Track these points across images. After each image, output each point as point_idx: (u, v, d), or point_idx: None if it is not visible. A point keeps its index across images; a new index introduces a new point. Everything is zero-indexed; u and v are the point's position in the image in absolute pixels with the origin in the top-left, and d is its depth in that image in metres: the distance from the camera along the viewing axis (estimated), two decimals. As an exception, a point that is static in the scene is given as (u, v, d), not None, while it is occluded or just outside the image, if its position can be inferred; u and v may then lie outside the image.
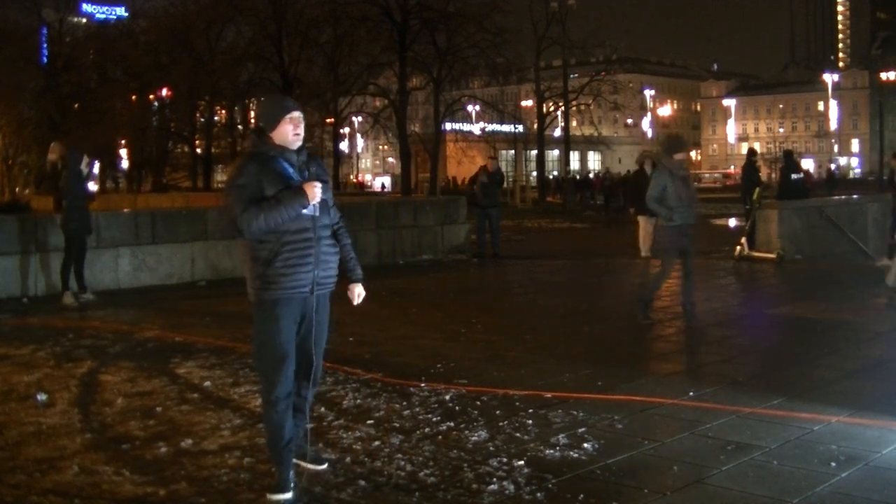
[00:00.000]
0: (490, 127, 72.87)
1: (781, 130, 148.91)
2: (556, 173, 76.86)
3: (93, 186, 14.02)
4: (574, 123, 62.85)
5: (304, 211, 5.23)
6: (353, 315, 11.78)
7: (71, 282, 13.29)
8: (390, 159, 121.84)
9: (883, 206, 20.60)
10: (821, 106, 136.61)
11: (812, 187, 45.63)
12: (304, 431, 5.55)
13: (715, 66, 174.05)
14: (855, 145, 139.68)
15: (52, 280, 14.13)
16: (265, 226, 5.13)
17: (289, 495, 5.18)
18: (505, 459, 5.76)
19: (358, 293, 5.75)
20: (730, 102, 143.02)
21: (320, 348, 5.51)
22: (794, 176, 20.74)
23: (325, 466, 5.63)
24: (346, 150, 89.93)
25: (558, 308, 12.78)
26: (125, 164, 72.05)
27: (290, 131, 5.34)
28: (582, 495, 5.16)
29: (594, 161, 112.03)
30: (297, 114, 5.39)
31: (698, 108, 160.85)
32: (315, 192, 5.25)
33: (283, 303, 5.24)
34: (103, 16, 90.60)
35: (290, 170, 5.31)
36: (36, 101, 60.96)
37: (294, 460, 5.40)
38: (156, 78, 59.25)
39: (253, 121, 68.08)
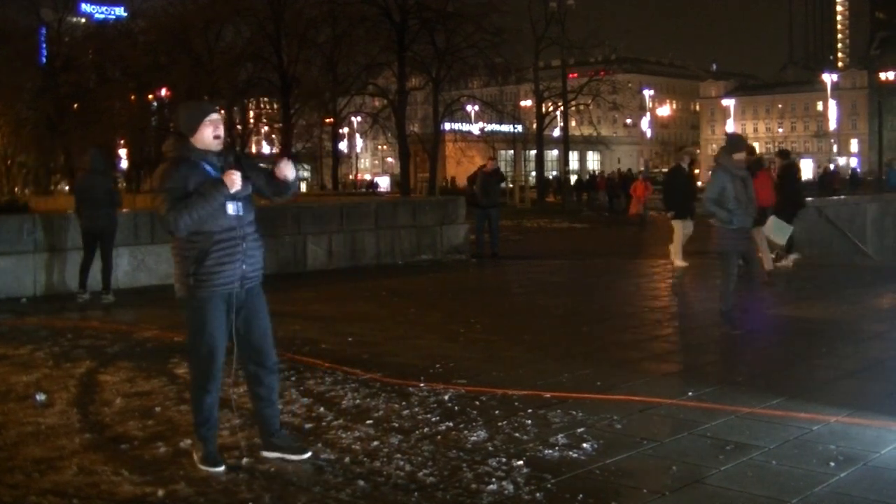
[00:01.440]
0: (489, 127, 72.91)
1: (780, 130, 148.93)
2: (555, 173, 76.83)
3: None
4: (573, 123, 62.83)
5: (230, 210, 5.49)
6: (351, 315, 11.81)
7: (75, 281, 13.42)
8: (389, 159, 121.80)
9: (882, 207, 20.61)
10: (820, 106, 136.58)
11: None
12: (278, 421, 5.94)
13: (714, 66, 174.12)
14: (854, 145, 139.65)
15: (51, 280, 14.14)
16: (191, 220, 5.36)
17: (222, 468, 5.59)
18: (504, 459, 5.76)
19: (283, 164, 5.72)
20: (729, 102, 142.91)
21: (266, 335, 5.80)
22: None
23: (308, 455, 5.81)
24: (346, 151, 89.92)
25: (557, 308, 12.78)
26: (124, 164, 72.09)
27: (210, 133, 5.55)
28: (581, 495, 5.16)
29: (593, 161, 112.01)
30: (215, 116, 5.60)
31: (697, 108, 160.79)
32: (234, 179, 5.44)
33: (214, 298, 5.52)
34: (102, 16, 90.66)
35: (213, 172, 5.51)
36: (34, 101, 61.03)
37: (279, 454, 5.77)
38: (155, 78, 59.21)
39: (265, 120, 68.41)
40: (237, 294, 5.60)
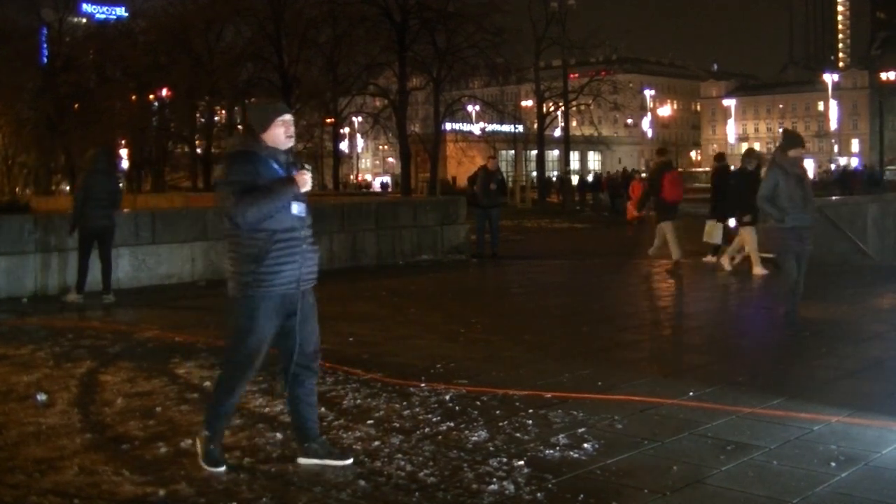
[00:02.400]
0: (490, 127, 72.96)
1: (781, 130, 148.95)
2: (556, 173, 76.81)
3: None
4: (574, 123, 62.88)
5: (294, 210, 5.49)
6: (352, 315, 11.81)
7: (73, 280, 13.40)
8: (390, 159, 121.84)
9: (883, 207, 20.61)
10: (821, 106, 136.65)
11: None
12: (317, 426, 5.89)
13: (715, 66, 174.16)
14: (855, 145, 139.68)
15: (52, 280, 14.14)
16: (260, 215, 5.35)
17: (223, 468, 5.60)
18: (505, 459, 5.76)
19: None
20: (729, 102, 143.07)
21: (315, 338, 5.84)
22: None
23: (350, 461, 5.73)
24: (346, 151, 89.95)
25: (558, 308, 12.78)
26: (125, 164, 72.08)
27: (283, 133, 5.57)
28: (582, 495, 5.15)
29: (594, 161, 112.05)
30: (288, 116, 5.62)
31: (698, 108, 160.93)
32: (306, 179, 5.49)
33: (271, 299, 5.50)
34: (103, 16, 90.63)
35: (280, 169, 5.54)
36: (35, 101, 61.03)
37: (319, 461, 5.66)
38: (155, 78, 59.27)
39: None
40: (293, 296, 5.59)
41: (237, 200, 5.33)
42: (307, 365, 5.77)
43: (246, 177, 5.40)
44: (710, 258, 17.76)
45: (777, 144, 10.73)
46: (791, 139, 10.36)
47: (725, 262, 16.25)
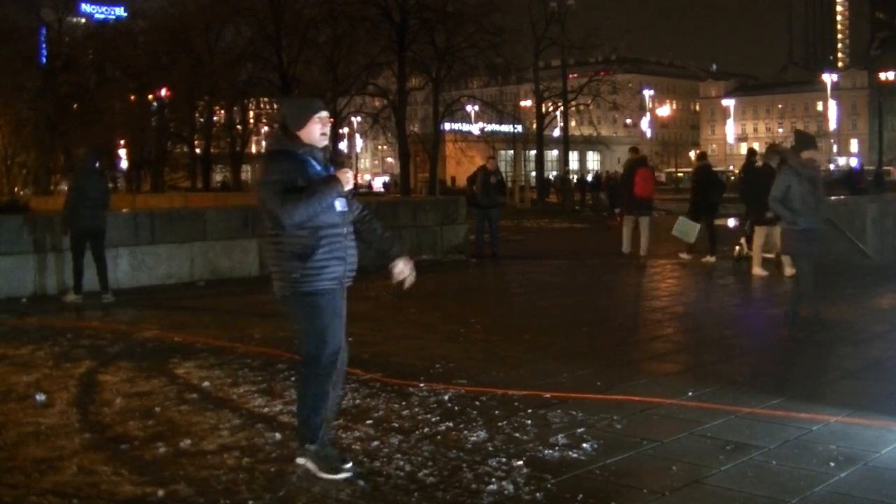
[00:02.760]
0: (489, 127, 72.86)
1: (780, 130, 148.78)
2: (555, 173, 76.77)
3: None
4: (573, 123, 62.76)
5: (338, 207, 5.41)
6: (351, 315, 11.80)
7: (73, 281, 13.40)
8: (389, 159, 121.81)
9: (882, 207, 20.61)
10: (820, 106, 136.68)
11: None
12: (330, 429, 5.76)
13: (714, 66, 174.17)
14: (854, 145, 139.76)
15: (51, 280, 14.14)
16: (306, 214, 5.27)
17: (349, 465, 5.49)
18: (504, 459, 5.76)
19: (400, 269, 5.77)
20: (729, 102, 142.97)
21: (343, 336, 5.66)
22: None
23: (349, 473, 5.51)
24: (346, 151, 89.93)
25: (557, 308, 12.78)
26: (124, 164, 72.06)
27: (318, 130, 5.51)
28: (581, 495, 5.16)
29: (593, 161, 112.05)
30: (324, 113, 5.55)
31: (697, 108, 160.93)
32: (348, 178, 5.42)
33: (326, 294, 5.43)
34: (102, 16, 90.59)
35: (318, 167, 5.47)
36: (35, 101, 60.98)
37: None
38: (155, 78, 59.25)
39: (266, 120, 68.26)
40: (336, 293, 5.53)
41: (282, 201, 5.24)
42: (340, 367, 5.65)
43: (286, 176, 5.33)
44: (707, 257, 17.83)
45: (790, 146, 10.59)
46: (804, 140, 10.25)
47: (758, 268, 16.06)
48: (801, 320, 10.16)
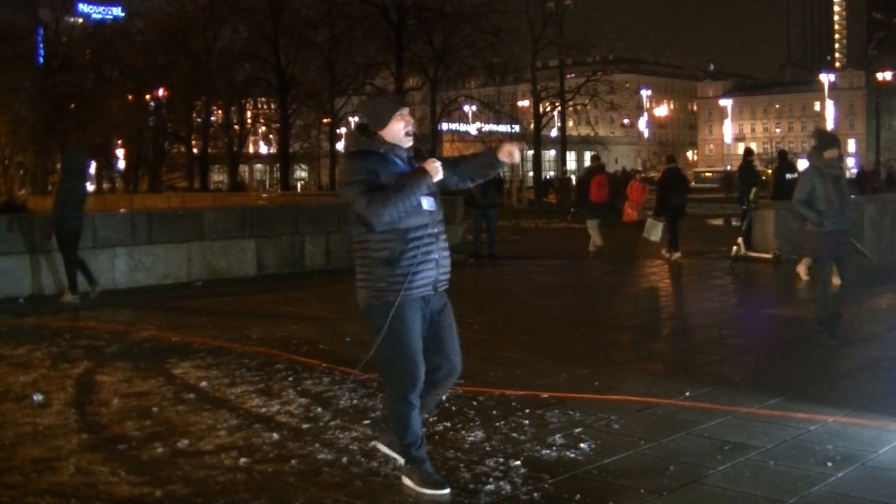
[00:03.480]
0: (486, 127, 72.97)
1: (778, 130, 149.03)
2: (552, 173, 76.78)
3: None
4: (570, 123, 62.81)
5: (424, 205, 5.07)
6: (349, 315, 11.79)
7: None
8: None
9: (880, 207, 20.61)
10: (817, 106, 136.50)
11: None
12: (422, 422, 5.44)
13: (711, 67, 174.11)
14: (851, 145, 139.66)
15: (48, 280, 14.13)
16: (396, 213, 4.94)
17: (447, 490, 5.16)
18: (501, 459, 5.76)
19: (507, 149, 5.33)
20: (726, 102, 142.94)
21: (456, 342, 5.35)
22: (788, 176, 20.77)
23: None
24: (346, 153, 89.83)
25: (554, 308, 12.78)
26: (122, 164, 72.02)
27: (402, 128, 5.20)
28: (578, 495, 5.16)
29: (590, 162, 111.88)
30: (406, 111, 5.25)
31: (695, 108, 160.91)
32: (437, 167, 5.09)
33: (411, 304, 5.07)
34: (100, 16, 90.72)
35: (403, 166, 5.17)
36: (32, 102, 60.93)
37: (390, 451, 5.38)
38: (152, 78, 59.25)
39: (263, 121, 68.27)
40: (431, 299, 5.18)
41: (368, 200, 4.92)
42: (450, 376, 5.36)
43: (369, 175, 5.00)
44: (671, 255, 18.63)
45: (811, 146, 10.30)
46: (825, 140, 9.95)
47: (802, 271, 15.91)
48: (799, 319, 10.15)
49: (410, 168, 5.17)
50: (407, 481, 5.24)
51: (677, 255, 18.51)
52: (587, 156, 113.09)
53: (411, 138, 5.23)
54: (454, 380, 5.44)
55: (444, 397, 7.16)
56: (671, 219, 19.05)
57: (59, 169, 13.96)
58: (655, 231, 19.04)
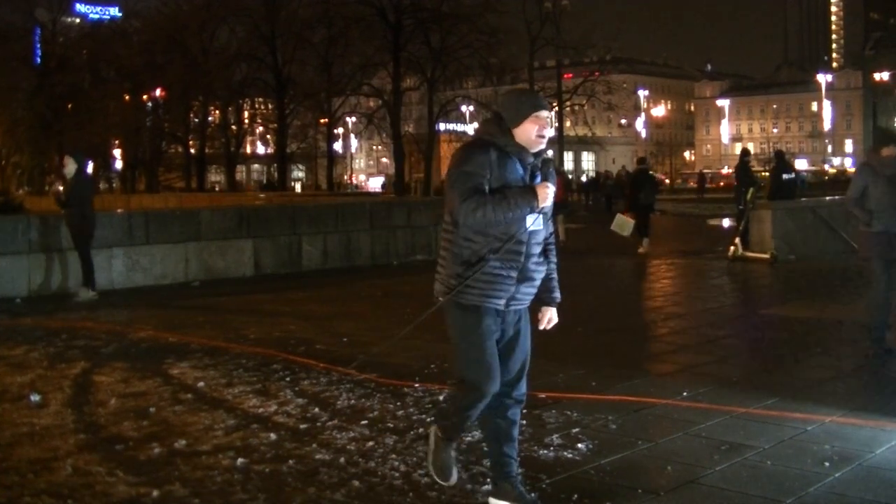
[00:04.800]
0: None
1: (775, 131, 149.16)
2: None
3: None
4: (568, 124, 62.88)
5: (529, 222, 4.72)
6: (347, 315, 11.81)
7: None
8: (384, 160, 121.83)
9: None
10: (814, 106, 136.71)
11: None
12: (517, 464, 5.07)
13: (708, 67, 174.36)
14: (848, 146, 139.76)
15: (45, 280, 14.13)
16: (485, 219, 4.60)
17: (447, 483, 5.07)
18: (499, 460, 5.75)
19: (549, 318, 5.13)
20: (723, 103, 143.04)
21: (525, 364, 5.05)
22: (785, 176, 20.82)
23: None
24: (341, 151, 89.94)
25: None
26: (119, 164, 71.99)
27: (535, 131, 4.79)
28: (576, 495, 5.16)
29: (588, 161, 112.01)
30: (545, 113, 4.84)
31: (692, 108, 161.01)
32: (547, 194, 4.72)
33: (484, 312, 4.77)
34: (97, 16, 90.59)
35: (522, 172, 4.78)
36: (29, 102, 60.98)
37: (502, 502, 4.98)
38: (149, 78, 59.27)
39: (260, 121, 68.26)
40: (500, 314, 4.82)
41: (466, 197, 4.59)
42: (509, 393, 4.99)
43: (480, 169, 4.64)
44: (643, 247, 20.29)
45: (870, 143, 9.93)
46: (883, 137, 9.51)
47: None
48: (798, 320, 10.12)
49: (530, 176, 4.80)
50: (430, 441, 5.09)
51: (643, 249, 20.23)
52: (585, 156, 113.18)
53: (543, 142, 4.83)
54: (517, 395, 5.06)
55: (441, 397, 7.16)
56: (641, 215, 20.52)
57: (74, 169, 13.74)
58: (627, 227, 20.34)
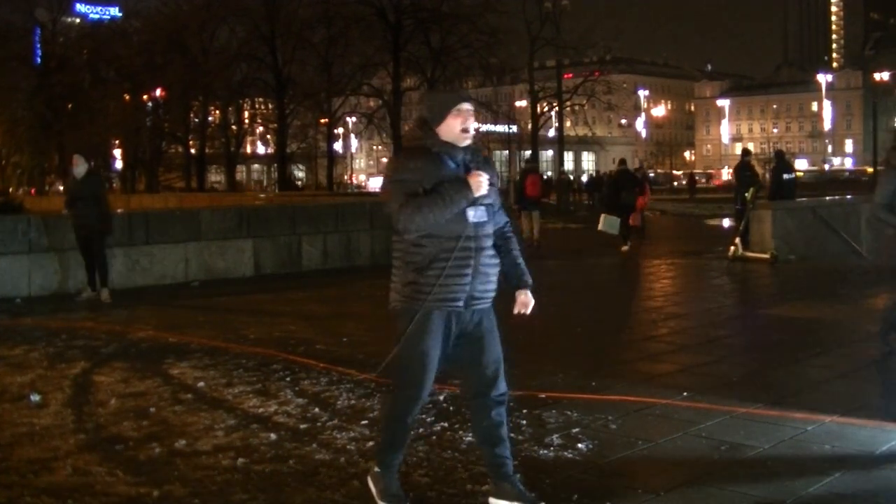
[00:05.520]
0: (484, 127, 72.92)
1: (775, 131, 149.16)
2: (549, 173, 76.81)
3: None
4: (568, 124, 62.93)
5: (470, 216, 4.74)
6: (347, 315, 11.81)
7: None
8: (384, 159, 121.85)
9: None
10: (814, 106, 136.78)
11: None
12: (511, 463, 5.03)
13: (708, 67, 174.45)
14: (848, 146, 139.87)
15: (45, 280, 14.12)
16: (425, 222, 4.64)
17: None
18: (499, 460, 5.75)
19: (523, 301, 5.14)
20: (723, 103, 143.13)
21: (498, 364, 5.01)
22: (785, 176, 20.81)
23: None
24: (341, 151, 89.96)
25: (551, 308, 12.77)
26: (119, 164, 71.99)
27: (458, 125, 4.83)
28: (576, 495, 5.15)
29: (588, 161, 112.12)
30: (467, 106, 4.86)
31: (692, 108, 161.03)
32: (480, 181, 4.73)
33: (434, 316, 4.75)
34: (97, 16, 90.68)
35: (454, 168, 4.81)
36: (29, 102, 61.02)
37: (502, 501, 4.96)
38: (149, 78, 59.27)
39: (260, 121, 68.27)
40: (461, 315, 4.82)
41: (402, 203, 4.65)
42: (487, 393, 4.96)
43: (413, 175, 4.69)
44: (624, 246, 20.91)
45: (892, 144, 9.67)
46: None
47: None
48: (795, 320, 10.11)
49: (464, 170, 4.82)
50: (370, 485, 5.07)
51: (626, 247, 20.91)
52: (585, 156, 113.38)
53: (469, 136, 4.86)
54: (495, 396, 4.99)
55: (441, 397, 7.17)
56: (622, 214, 21.48)
57: (85, 168, 13.71)
58: (614, 225, 21.14)
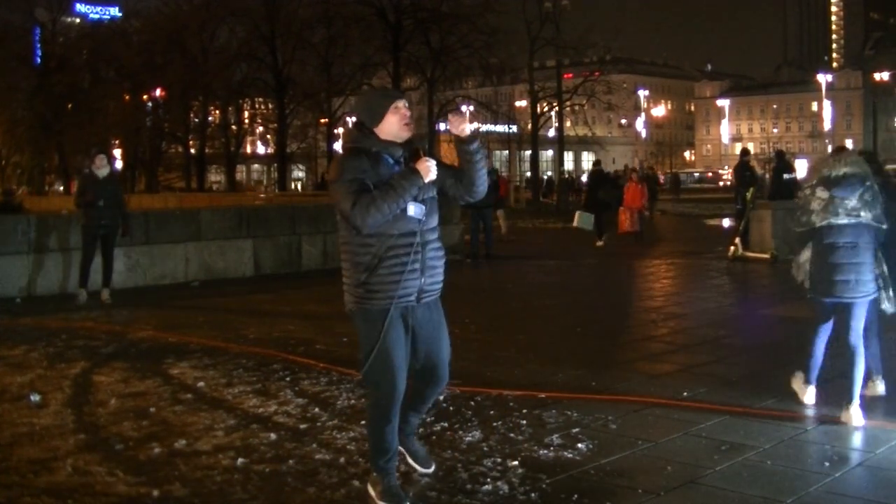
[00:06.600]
0: (484, 127, 72.90)
1: (775, 131, 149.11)
2: (549, 173, 76.81)
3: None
4: (568, 124, 62.91)
5: (411, 211, 4.82)
6: (345, 316, 11.79)
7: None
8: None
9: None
10: (814, 106, 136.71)
11: None
12: (416, 426, 5.48)
13: (708, 67, 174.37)
14: (848, 146, 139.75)
15: (45, 280, 14.12)
16: (381, 216, 4.71)
17: None
18: (499, 460, 5.76)
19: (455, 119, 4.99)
20: (723, 103, 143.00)
21: (446, 355, 5.13)
22: (786, 176, 20.82)
23: (432, 469, 5.39)
24: (341, 151, 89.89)
25: (551, 308, 12.78)
26: (119, 164, 71.92)
27: (397, 122, 4.93)
28: (576, 495, 5.15)
29: (587, 161, 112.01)
30: (402, 103, 4.97)
31: (692, 108, 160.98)
32: (428, 167, 4.84)
33: (391, 313, 4.85)
34: (97, 16, 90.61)
35: (395, 166, 4.91)
36: (29, 102, 60.93)
37: (401, 449, 5.20)
38: (149, 78, 59.18)
39: (260, 121, 68.26)
40: (414, 309, 4.94)
41: (354, 202, 4.69)
42: (433, 381, 5.16)
43: (360, 175, 4.77)
44: (600, 241, 22.27)
45: None
46: None
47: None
48: (794, 319, 10.09)
49: (402, 167, 4.93)
50: (370, 490, 5.11)
51: (601, 242, 22.27)
52: (584, 156, 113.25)
53: (410, 129, 4.97)
54: (440, 389, 5.27)
55: (441, 397, 7.16)
56: (598, 212, 22.89)
57: (108, 170, 13.64)
58: (588, 221, 22.97)
